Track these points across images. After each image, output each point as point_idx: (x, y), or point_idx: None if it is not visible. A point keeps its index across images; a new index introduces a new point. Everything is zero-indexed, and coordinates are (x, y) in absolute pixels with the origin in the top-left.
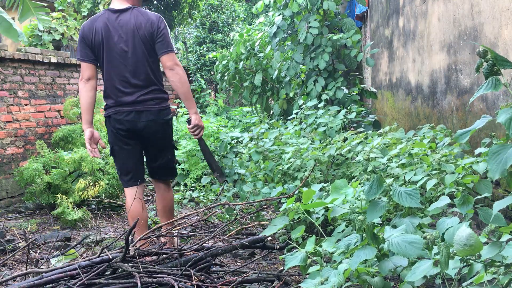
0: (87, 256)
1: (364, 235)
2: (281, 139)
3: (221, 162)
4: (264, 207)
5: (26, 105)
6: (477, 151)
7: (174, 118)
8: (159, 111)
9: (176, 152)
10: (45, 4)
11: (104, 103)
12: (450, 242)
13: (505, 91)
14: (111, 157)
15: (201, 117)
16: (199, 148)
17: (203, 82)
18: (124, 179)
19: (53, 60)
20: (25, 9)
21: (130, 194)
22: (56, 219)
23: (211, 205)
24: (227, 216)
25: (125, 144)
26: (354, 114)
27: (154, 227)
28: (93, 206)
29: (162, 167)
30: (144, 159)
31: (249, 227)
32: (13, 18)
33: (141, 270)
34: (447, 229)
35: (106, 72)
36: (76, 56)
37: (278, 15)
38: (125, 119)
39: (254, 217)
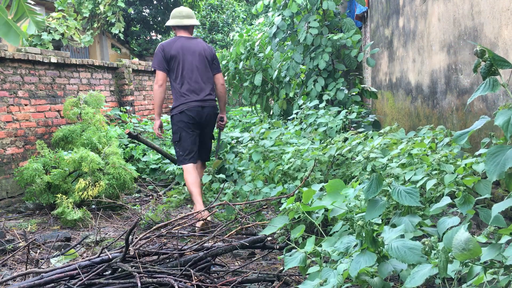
0: (87, 256)
1: (364, 240)
2: (281, 139)
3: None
4: (264, 207)
5: (26, 105)
6: (477, 153)
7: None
8: (214, 107)
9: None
10: (38, 9)
11: (174, 102)
12: (449, 246)
13: (505, 91)
14: (176, 142)
15: None
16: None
17: None
18: (186, 158)
19: (53, 60)
20: (20, 11)
21: (188, 169)
22: (56, 219)
23: (211, 205)
24: (227, 216)
25: (191, 131)
26: (354, 115)
27: (154, 227)
28: (93, 206)
29: (208, 150)
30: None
31: (249, 227)
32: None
33: (141, 270)
34: (447, 230)
35: (181, 79)
36: (153, 65)
37: (278, 16)
38: (195, 110)
39: (254, 217)
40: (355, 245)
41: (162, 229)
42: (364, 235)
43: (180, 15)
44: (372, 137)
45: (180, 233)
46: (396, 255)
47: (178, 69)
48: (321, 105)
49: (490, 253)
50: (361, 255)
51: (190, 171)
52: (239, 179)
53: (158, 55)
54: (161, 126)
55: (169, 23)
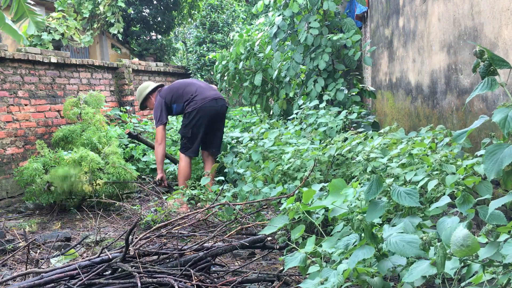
0: (87, 256)
1: (363, 234)
2: (281, 139)
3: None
4: (264, 207)
5: (26, 105)
6: (478, 153)
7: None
8: (224, 99)
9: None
10: (37, 9)
11: (191, 107)
12: (447, 243)
13: (505, 91)
14: (186, 136)
15: None
16: None
17: None
18: (190, 150)
19: (53, 60)
20: (20, 11)
21: (188, 162)
22: (56, 219)
23: (211, 205)
24: (227, 216)
25: (203, 128)
26: (355, 115)
27: (154, 227)
28: (93, 206)
29: (219, 143)
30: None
31: (249, 227)
32: (13, 21)
33: (141, 270)
34: (447, 229)
35: (194, 92)
36: (161, 121)
37: (278, 16)
38: (212, 106)
39: (254, 217)
40: (355, 242)
41: (162, 229)
42: (363, 229)
43: (149, 85)
44: (372, 137)
45: (180, 233)
46: (395, 249)
47: (186, 91)
48: (321, 105)
49: (488, 251)
50: (359, 249)
51: (188, 164)
52: (239, 181)
53: (158, 108)
54: (162, 179)
55: (149, 90)
